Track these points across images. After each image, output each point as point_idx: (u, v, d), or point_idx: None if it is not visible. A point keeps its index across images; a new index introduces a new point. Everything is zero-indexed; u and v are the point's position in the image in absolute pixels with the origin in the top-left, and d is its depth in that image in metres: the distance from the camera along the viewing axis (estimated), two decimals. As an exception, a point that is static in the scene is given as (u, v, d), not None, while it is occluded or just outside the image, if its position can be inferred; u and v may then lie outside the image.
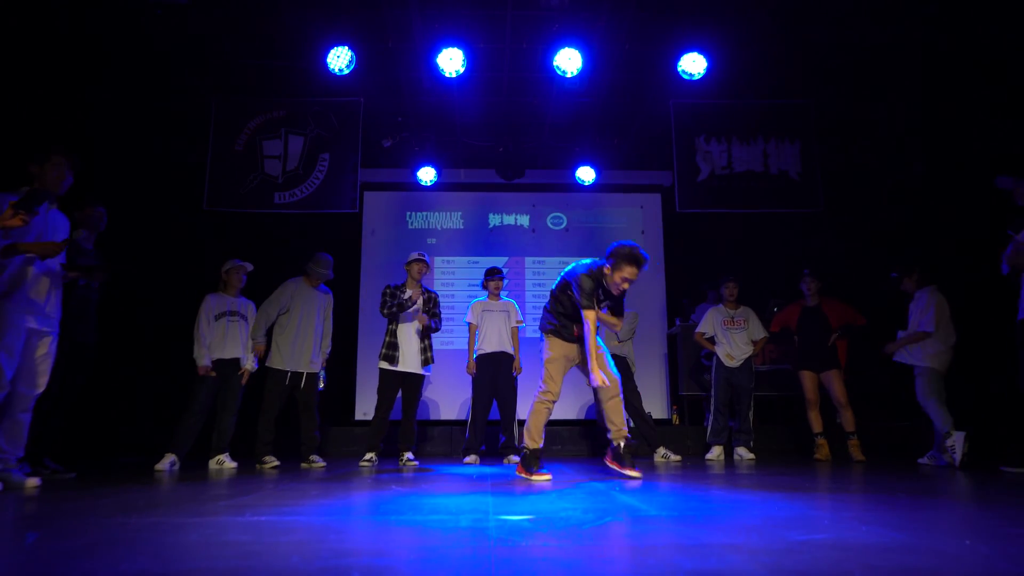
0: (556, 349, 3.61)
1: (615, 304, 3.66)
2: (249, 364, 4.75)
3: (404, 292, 4.95)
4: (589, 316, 3.40)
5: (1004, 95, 5.22)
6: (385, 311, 4.90)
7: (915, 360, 4.70)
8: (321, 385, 4.95)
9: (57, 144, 3.40)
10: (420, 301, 4.95)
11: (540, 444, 3.56)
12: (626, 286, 3.43)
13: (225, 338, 4.66)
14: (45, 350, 3.31)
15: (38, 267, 3.28)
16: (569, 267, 3.60)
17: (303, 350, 4.81)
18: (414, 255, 5.07)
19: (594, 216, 7.59)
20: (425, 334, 4.99)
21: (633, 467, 3.48)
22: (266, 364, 4.81)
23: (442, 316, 5.17)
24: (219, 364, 4.62)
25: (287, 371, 4.78)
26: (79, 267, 3.74)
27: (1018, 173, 3.91)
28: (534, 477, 3.44)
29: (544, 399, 3.55)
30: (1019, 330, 3.85)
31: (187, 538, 1.67)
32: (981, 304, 4.97)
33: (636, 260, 3.32)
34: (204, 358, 4.55)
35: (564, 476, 3.67)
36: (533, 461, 3.50)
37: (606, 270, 3.43)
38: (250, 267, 4.84)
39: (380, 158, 7.18)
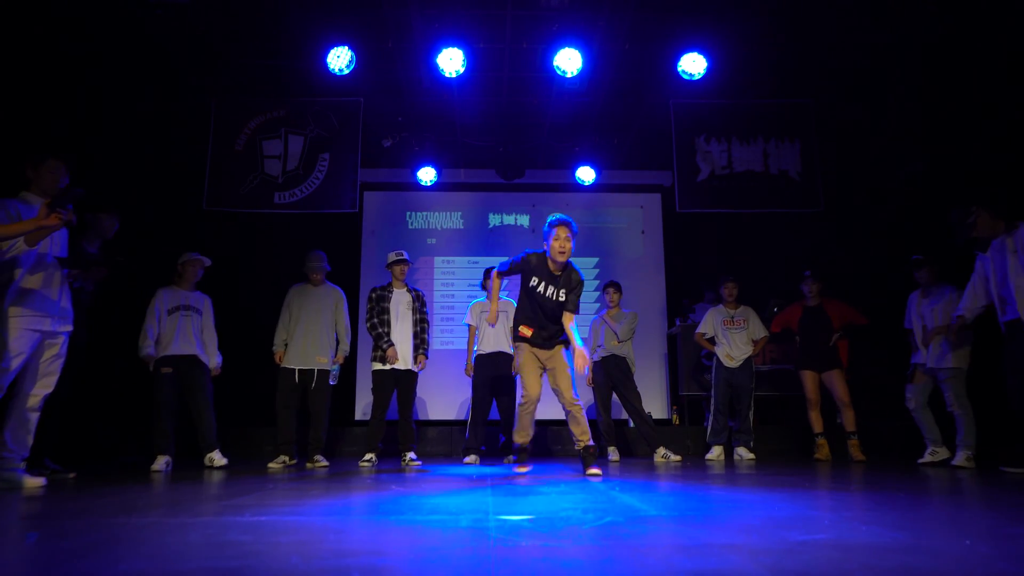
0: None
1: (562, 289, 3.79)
2: (213, 363, 4.68)
3: (390, 295, 4.96)
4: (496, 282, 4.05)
5: (1004, 95, 5.21)
6: (369, 325, 4.91)
7: (947, 363, 4.50)
8: (333, 380, 4.92)
9: (53, 148, 3.40)
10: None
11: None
12: (563, 250, 3.68)
13: (178, 333, 4.53)
14: (56, 351, 3.30)
15: (47, 266, 3.26)
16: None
17: (307, 346, 4.81)
18: (393, 256, 5.09)
19: (594, 216, 7.59)
20: (420, 332, 5.01)
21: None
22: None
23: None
24: (175, 361, 4.52)
25: (294, 368, 4.79)
26: (77, 263, 3.67)
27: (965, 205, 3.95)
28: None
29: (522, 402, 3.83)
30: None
31: (187, 538, 1.67)
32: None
33: (561, 222, 3.69)
34: (147, 348, 4.43)
35: (564, 476, 3.67)
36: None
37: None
38: (207, 262, 4.75)
39: (380, 158, 7.17)
